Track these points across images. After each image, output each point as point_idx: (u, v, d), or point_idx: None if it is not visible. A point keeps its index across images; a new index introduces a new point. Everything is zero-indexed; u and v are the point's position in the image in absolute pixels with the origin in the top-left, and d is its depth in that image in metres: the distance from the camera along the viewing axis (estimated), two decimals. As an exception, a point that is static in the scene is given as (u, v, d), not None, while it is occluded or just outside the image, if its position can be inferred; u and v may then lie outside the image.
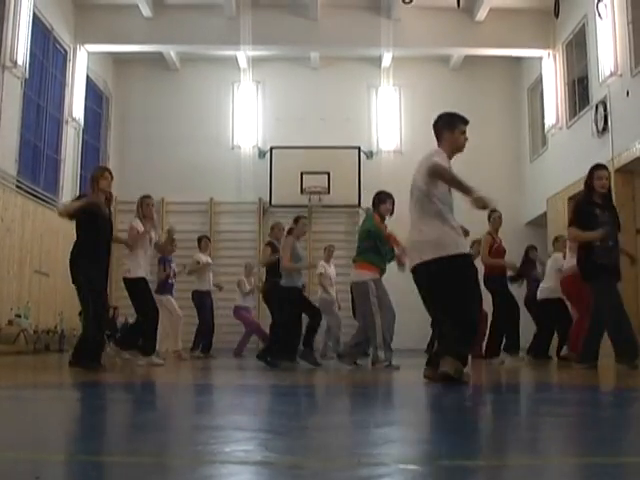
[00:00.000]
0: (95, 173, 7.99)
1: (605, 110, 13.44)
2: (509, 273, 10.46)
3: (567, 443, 2.81)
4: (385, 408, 4.38)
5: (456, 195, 5.87)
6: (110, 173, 7.96)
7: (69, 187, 15.89)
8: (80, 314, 10.39)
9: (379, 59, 18.08)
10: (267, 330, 13.14)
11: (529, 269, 11.33)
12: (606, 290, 7.73)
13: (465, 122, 6.36)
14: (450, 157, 6.10)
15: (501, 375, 7.78)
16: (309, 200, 17.24)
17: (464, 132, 6.24)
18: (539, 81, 17.33)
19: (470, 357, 9.05)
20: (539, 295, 10.61)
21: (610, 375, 7.33)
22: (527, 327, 10.95)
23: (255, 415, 3.81)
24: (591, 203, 7.89)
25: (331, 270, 12.58)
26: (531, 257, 11.69)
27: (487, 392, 5.63)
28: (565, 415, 3.74)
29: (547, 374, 8.00)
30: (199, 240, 12.59)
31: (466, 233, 8.72)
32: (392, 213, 8.91)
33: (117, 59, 18.44)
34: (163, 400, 4.93)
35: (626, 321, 7.70)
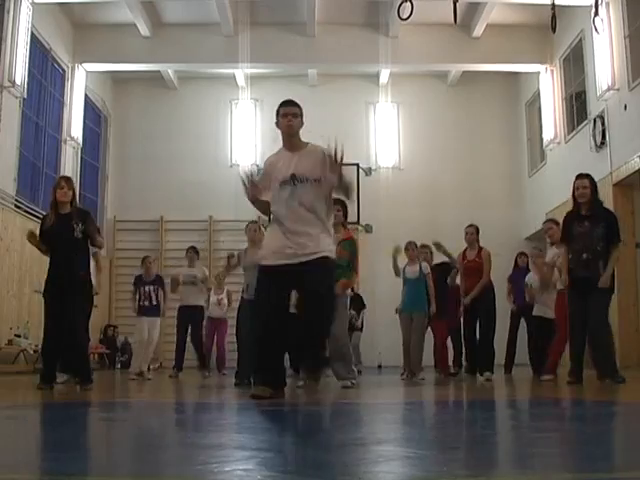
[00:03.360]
0: (54, 184, 7.89)
1: (603, 124, 13.46)
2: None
3: (567, 459, 2.78)
4: (385, 425, 4.36)
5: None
6: (66, 181, 7.70)
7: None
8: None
9: (377, 76, 18.13)
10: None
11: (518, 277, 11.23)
12: (569, 301, 7.81)
13: (282, 104, 6.07)
14: (285, 145, 6.09)
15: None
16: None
17: (285, 115, 5.98)
18: (537, 96, 17.37)
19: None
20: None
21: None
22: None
23: (255, 433, 3.79)
24: (571, 216, 7.87)
25: None
26: (519, 264, 11.61)
27: (488, 408, 5.59)
28: (560, 430, 3.71)
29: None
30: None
31: None
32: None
33: (115, 78, 18.49)
34: (161, 419, 4.90)
35: (577, 338, 7.73)
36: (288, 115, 5.94)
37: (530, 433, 3.68)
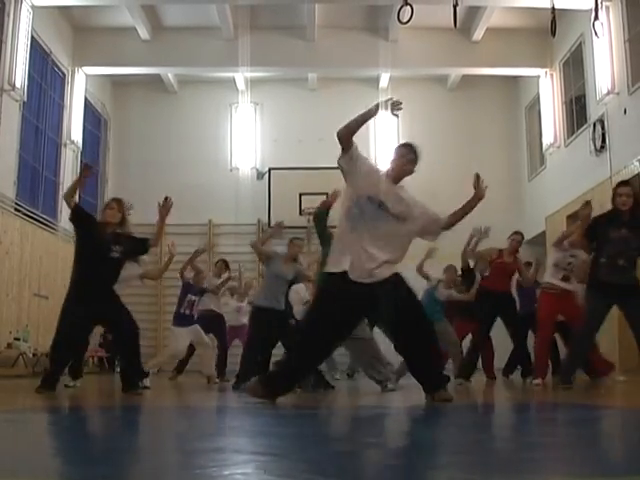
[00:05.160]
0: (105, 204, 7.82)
1: (603, 128, 13.46)
2: None
3: (568, 464, 2.77)
4: (385, 430, 4.34)
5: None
6: (118, 203, 7.65)
7: (68, 210, 15.83)
8: None
9: (377, 80, 18.14)
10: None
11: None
12: (589, 301, 7.67)
13: (404, 146, 6.31)
14: (389, 177, 6.04)
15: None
16: (308, 221, 17.17)
17: (403, 156, 6.12)
18: (537, 100, 17.37)
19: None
20: None
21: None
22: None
23: (254, 437, 3.78)
24: (606, 218, 7.70)
25: None
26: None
27: (490, 412, 5.59)
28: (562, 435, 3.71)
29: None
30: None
31: None
32: None
33: (115, 82, 18.50)
34: (160, 423, 4.89)
35: (586, 340, 7.65)
36: (412, 163, 6.06)
37: (531, 438, 3.68)
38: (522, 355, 10.05)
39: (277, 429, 4.23)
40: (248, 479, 2.39)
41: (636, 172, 12.20)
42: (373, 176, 5.95)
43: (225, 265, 12.25)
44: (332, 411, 5.97)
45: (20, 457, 2.96)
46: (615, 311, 7.80)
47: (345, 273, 5.58)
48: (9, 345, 12.48)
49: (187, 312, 10.46)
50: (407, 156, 6.07)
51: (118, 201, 7.72)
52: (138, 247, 7.77)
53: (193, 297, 10.53)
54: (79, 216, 7.59)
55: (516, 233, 10.13)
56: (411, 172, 6.04)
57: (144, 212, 18.32)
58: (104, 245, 7.39)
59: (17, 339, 12.70)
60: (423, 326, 5.84)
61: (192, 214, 17.68)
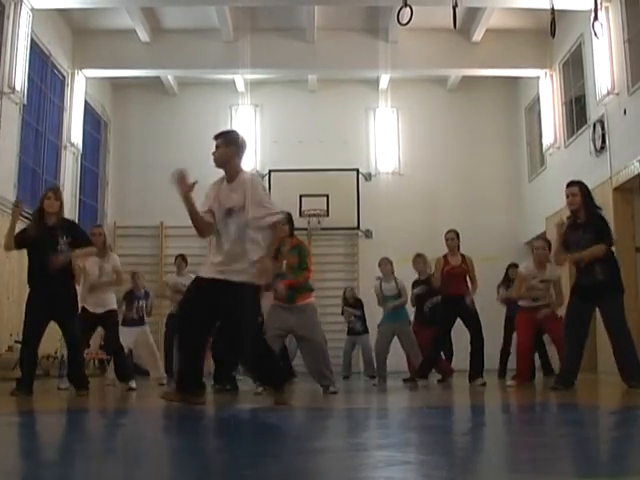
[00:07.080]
0: (41, 195, 8.00)
1: (603, 129, 13.45)
2: None
3: (565, 464, 2.77)
4: (383, 430, 4.34)
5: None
6: (55, 193, 7.84)
7: (68, 212, 15.78)
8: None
9: (376, 81, 18.14)
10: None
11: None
12: (569, 305, 7.77)
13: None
14: None
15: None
16: (308, 223, 17.22)
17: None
18: (536, 101, 17.37)
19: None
20: None
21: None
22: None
23: (253, 438, 3.77)
24: (570, 225, 7.83)
25: None
26: (510, 276, 11.42)
27: (483, 414, 5.58)
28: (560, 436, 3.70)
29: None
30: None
31: None
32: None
33: (115, 84, 18.51)
34: (153, 425, 4.89)
35: (572, 348, 7.65)
36: (223, 146, 6.14)
37: (530, 438, 3.67)
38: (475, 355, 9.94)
39: (272, 430, 4.22)
40: None
41: (636, 172, 12.20)
42: (214, 190, 6.18)
43: (183, 260, 12.20)
44: (332, 412, 5.96)
45: (18, 460, 2.96)
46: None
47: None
48: (10, 348, 12.48)
49: (135, 317, 10.76)
50: (217, 141, 6.58)
51: (55, 190, 8.01)
52: (81, 241, 7.85)
53: (141, 302, 10.83)
54: (23, 244, 7.97)
55: (448, 231, 10.11)
56: (231, 154, 6.50)
57: (144, 214, 18.47)
58: (52, 240, 7.63)
59: (18, 342, 12.68)
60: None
61: (192, 216, 17.65)
